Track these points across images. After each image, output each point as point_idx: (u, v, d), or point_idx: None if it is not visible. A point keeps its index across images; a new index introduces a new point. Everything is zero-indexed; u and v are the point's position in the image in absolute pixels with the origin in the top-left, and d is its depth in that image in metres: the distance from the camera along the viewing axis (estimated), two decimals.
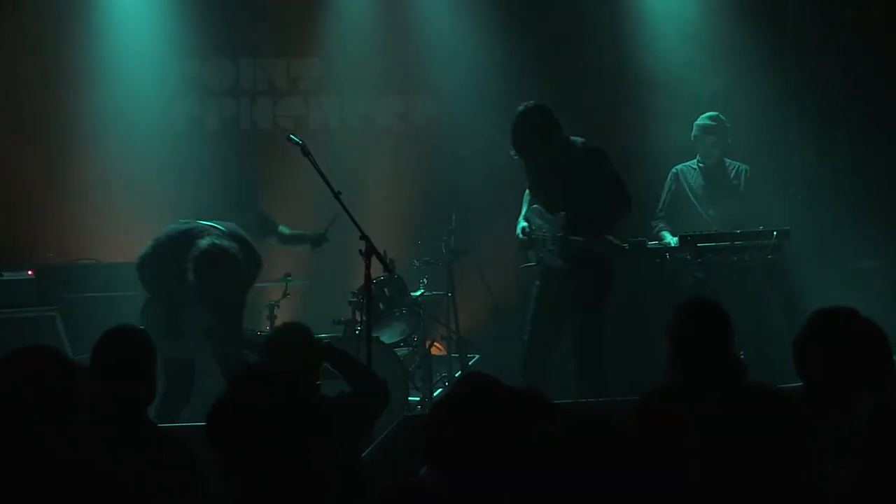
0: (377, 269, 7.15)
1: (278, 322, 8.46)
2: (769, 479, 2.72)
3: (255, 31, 9.94)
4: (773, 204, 8.45)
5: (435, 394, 8.38)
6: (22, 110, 9.46)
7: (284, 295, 8.65)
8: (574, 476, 2.81)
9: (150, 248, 7.11)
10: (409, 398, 8.08)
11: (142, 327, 6.75)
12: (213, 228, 7.01)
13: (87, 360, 4.35)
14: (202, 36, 9.64)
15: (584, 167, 7.22)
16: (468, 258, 9.10)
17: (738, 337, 4.74)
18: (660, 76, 9.46)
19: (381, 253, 7.01)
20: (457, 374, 8.46)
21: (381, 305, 8.19)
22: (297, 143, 6.93)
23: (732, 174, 8.39)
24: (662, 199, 8.40)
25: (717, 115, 8.37)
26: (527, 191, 7.66)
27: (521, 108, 7.23)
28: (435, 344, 8.93)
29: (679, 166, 8.48)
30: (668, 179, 8.47)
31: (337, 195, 6.79)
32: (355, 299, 8.30)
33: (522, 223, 7.51)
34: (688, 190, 8.40)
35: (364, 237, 6.76)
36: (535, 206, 7.54)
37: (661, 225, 8.24)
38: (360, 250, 6.82)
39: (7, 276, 8.39)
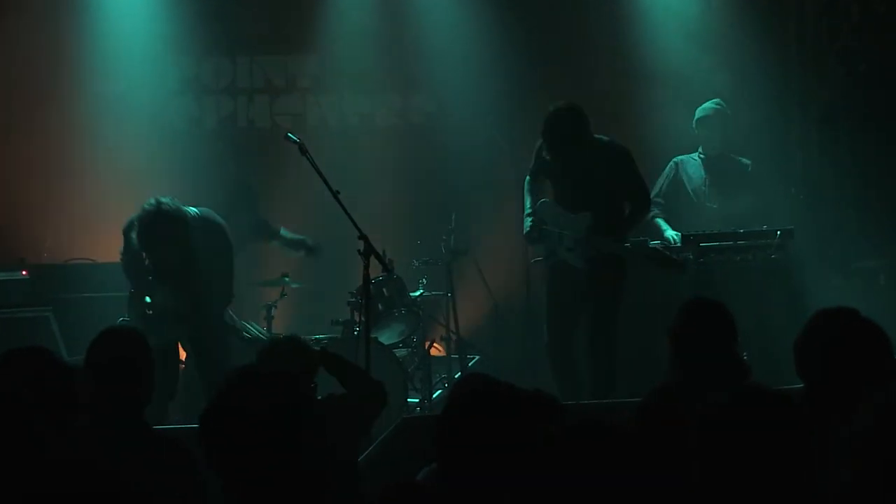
0: (376, 270, 7.14)
1: (276, 322, 8.49)
2: (769, 480, 2.72)
3: (252, 28, 9.92)
4: (775, 203, 8.46)
5: (434, 395, 8.37)
6: (16, 109, 9.44)
7: (282, 296, 8.63)
8: (573, 476, 2.80)
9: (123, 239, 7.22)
10: (409, 400, 8.07)
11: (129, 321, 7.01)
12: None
13: (81, 360, 4.33)
14: (198, 34, 9.61)
15: (610, 167, 7.28)
16: (468, 258, 9.10)
17: (740, 337, 4.70)
18: (660, 75, 9.45)
19: (380, 253, 6.99)
20: (456, 376, 8.43)
21: (379, 306, 8.17)
22: (294, 142, 6.91)
23: (735, 168, 8.38)
24: (659, 186, 8.36)
25: (719, 102, 8.40)
26: (528, 180, 7.64)
27: (554, 108, 7.21)
28: (434, 345, 8.90)
29: (680, 157, 8.48)
30: (668, 168, 8.46)
31: (335, 194, 6.77)
32: (354, 300, 8.27)
33: (530, 220, 7.50)
34: (686, 182, 8.39)
35: (362, 237, 6.74)
36: (545, 200, 7.53)
37: (656, 211, 8.20)
38: (359, 250, 6.79)
39: (1, 276, 8.37)
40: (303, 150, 6.83)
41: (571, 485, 2.80)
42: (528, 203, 7.59)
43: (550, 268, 7.51)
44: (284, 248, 8.37)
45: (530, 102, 9.53)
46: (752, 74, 9.32)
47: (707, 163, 8.39)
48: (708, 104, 8.43)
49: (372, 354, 6.65)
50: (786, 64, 9.52)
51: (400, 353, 8.33)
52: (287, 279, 8.62)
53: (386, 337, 8.27)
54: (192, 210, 7.12)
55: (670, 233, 8.00)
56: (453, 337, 8.88)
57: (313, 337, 8.08)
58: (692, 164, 8.43)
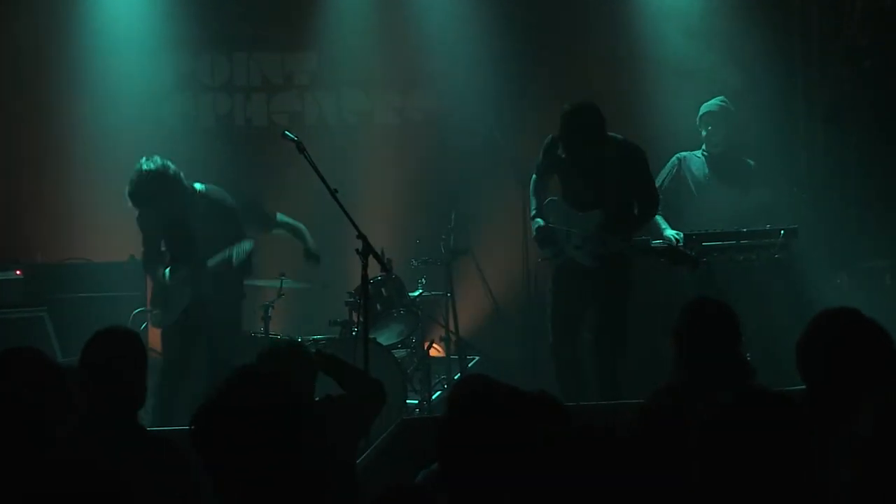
0: (374, 269, 7.10)
1: (273, 323, 8.42)
2: (769, 481, 2.72)
3: (249, 24, 9.87)
4: (779, 201, 8.46)
5: (434, 396, 8.34)
6: (10, 107, 9.39)
7: (279, 295, 8.56)
8: (574, 477, 2.80)
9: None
10: (408, 401, 8.06)
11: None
12: None
13: (76, 361, 4.32)
14: (194, 30, 9.57)
15: (624, 166, 7.29)
16: (468, 257, 9.08)
17: (744, 337, 4.68)
18: (662, 73, 9.43)
19: (379, 252, 6.95)
20: (456, 377, 8.42)
21: (378, 306, 8.14)
22: (292, 140, 6.87)
23: (739, 167, 8.37)
24: (661, 182, 8.31)
25: (723, 99, 8.39)
26: (534, 179, 7.63)
27: (571, 107, 7.21)
28: (434, 345, 8.85)
29: (683, 153, 8.46)
30: (670, 164, 8.43)
31: (333, 193, 6.74)
32: (352, 300, 8.25)
33: (539, 221, 7.50)
34: (690, 179, 8.37)
35: (361, 236, 6.69)
36: (552, 199, 7.53)
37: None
38: (357, 249, 6.74)
39: None
40: (301, 149, 6.80)
41: (572, 486, 2.80)
42: (534, 203, 7.60)
43: (556, 267, 7.50)
44: (288, 231, 8.29)
45: (531, 100, 9.59)
46: (757, 72, 9.31)
47: (710, 160, 8.38)
48: (712, 101, 8.42)
49: (370, 355, 6.63)
50: (790, 61, 9.51)
51: (399, 353, 8.31)
52: (284, 279, 8.55)
53: (385, 337, 8.24)
54: (198, 185, 7.36)
55: (670, 232, 7.99)
56: (453, 337, 8.85)
57: (311, 337, 8.08)
58: (695, 160, 8.41)
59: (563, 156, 7.31)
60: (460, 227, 8.90)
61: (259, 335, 8.09)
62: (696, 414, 2.86)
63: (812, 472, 2.77)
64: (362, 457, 5.82)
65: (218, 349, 7.37)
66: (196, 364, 7.44)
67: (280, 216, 8.16)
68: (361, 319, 7.11)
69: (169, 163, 7.31)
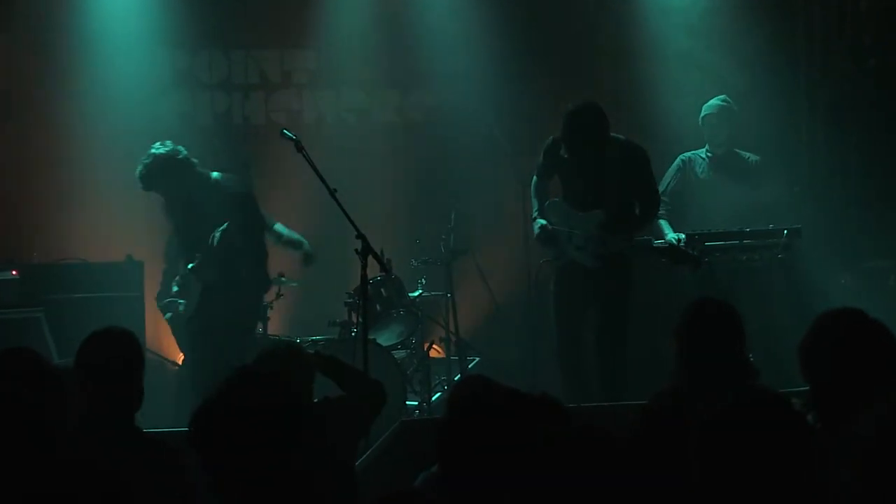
0: (374, 269, 7.09)
1: (272, 323, 8.44)
2: (769, 481, 2.72)
3: (247, 21, 9.86)
4: (782, 198, 8.47)
5: (434, 398, 8.33)
6: (6, 106, 9.35)
7: (278, 296, 8.56)
8: (575, 478, 2.80)
9: None
10: (407, 402, 8.05)
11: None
12: None
13: (72, 362, 4.32)
14: (192, 27, 9.54)
15: (626, 166, 7.31)
16: (468, 257, 9.05)
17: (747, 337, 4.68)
18: (663, 71, 9.43)
19: (378, 252, 6.94)
20: (456, 378, 8.38)
21: (377, 306, 8.14)
22: (290, 139, 6.86)
23: (743, 165, 8.36)
24: (666, 184, 8.32)
25: (725, 98, 8.39)
26: (534, 181, 7.66)
27: (575, 107, 7.22)
28: (434, 346, 8.84)
29: (687, 154, 8.47)
30: (675, 167, 8.44)
31: (332, 192, 6.73)
32: (351, 300, 8.23)
33: (541, 221, 7.52)
34: (694, 180, 8.37)
35: (360, 236, 6.68)
36: (553, 200, 7.55)
37: (662, 212, 8.16)
38: (356, 249, 6.73)
39: None
40: (299, 148, 6.78)
41: (572, 486, 2.79)
42: (535, 205, 7.63)
43: (558, 269, 7.53)
44: (283, 245, 8.28)
45: (531, 99, 9.57)
46: (759, 71, 9.31)
47: (714, 160, 8.37)
48: (714, 100, 8.42)
49: (370, 356, 6.62)
50: (793, 60, 9.51)
51: (398, 354, 8.30)
52: (283, 279, 8.54)
53: (384, 338, 8.24)
54: (214, 174, 7.52)
55: (672, 235, 7.96)
56: (453, 338, 8.84)
57: (310, 338, 8.05)
58: (699, 161, 8.42)
59: (566, 156, 7.31)
60: (460, 226, 8.89)
61: (258, 335, 8.07)
62: (696, 414, 2.85)
63: (812, 472, 2.76)
64: (362, 458, 5.82)
65: (223, 348, 7.28)
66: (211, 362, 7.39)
67: (278, 226, 8.15)
68: (361, 320, 7.10)
69: (180, 148, 7.53)
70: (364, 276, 6.80)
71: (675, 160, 8.45)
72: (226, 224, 7.38)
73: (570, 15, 9.80)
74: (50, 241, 9.06)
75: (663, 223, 8.09)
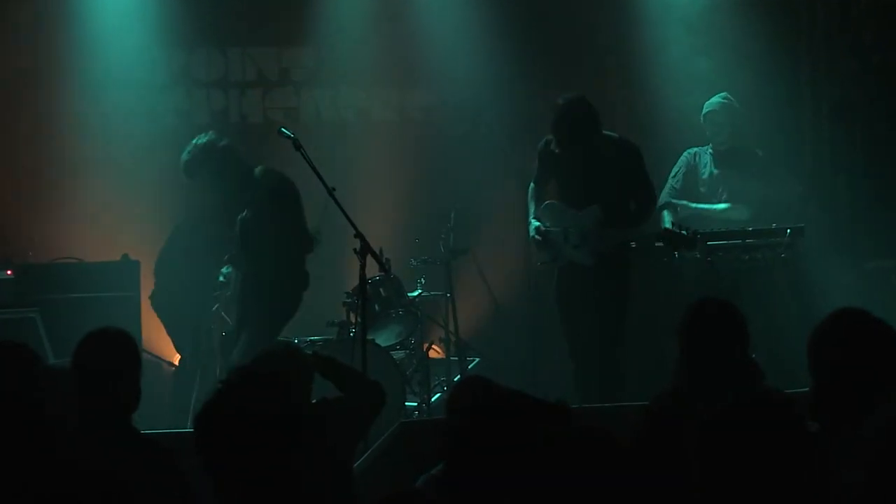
0: (372, 269, 7.10)
1: None
2: (769, 482, 2.74)
3: (244, 19, 9.82)
4: (783, 194, 8.45)
5: (433, 399, 8.33)
6: (2, 104, 9.32)
7: None
8: (576, 478, 2.82)
9: None
10: (406, 403, 8.04)
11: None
12: None
13: (68, 363, 4.33)
14: (189, 25, 9.52)
15: (620, 163, 7.33)
16: (467, 257, 9.06)
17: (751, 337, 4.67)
18: (664, 71, 9.43)
19: (377, 252, 6.93)
20: (456, 378, 8.37)
21: (376, 307, 8.11)
22: (288, 137, 6.85)
23: (746, 162, 8.35)
24: (676, 177, 8.33)
25: (726, 96, 8.39)
26: (531, 187, 7.67)
27: (564, 100, 7.24)
28: (433, 346, 8.84)
29: (695, 149, 8.47)
30: (684, 160, 8.43)
31: (331, 191, 6.72)
32: (350, 300, 8.19)
33: (535, 223, 7.54)
34: (700, 174, 8.36)
35: (359, 235, 6.67)
36: (548, 202, 7.56)
37: (667, 202, 8.23)
38: (355, 249, 6.72)
39: None
40: (297, 146, 6.77)
41: (573, 487, 2.81)
42: (531, 209, 7.64)
43: (557, 271, 7.55)
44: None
45: (531, 98, 9.57)
46: (762, 69, 9.29)
47: (717, 159, 8.36)
48: (715, 98, 8.42)
49: (368, 357, 6.62)
50: (796, 57, 9.52)
51: (397, 355, 8.29)
52: None
53: (383, 338, 8.22)
54: (257, 169, 7.47)
55: (668, 221, 7.98)
56: (452, 338, 8.83)
57: (308, 339, 8.01)
58: (705, 157, 8.42)
59: (557, 151, 7.31)
60: (460, 226, 8.89)
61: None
62: (697, 415, 2.91)
63: (814, 473, 2.78)
64: (361, 459, 5.81)
65: (254, 340, 7.17)
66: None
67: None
68: (359, 320, 7.08)
69: (223, 139, 7.49)
70: (363, 276, 6.79)
71: (679, 156, 8.44)
72: (245, 212, 7.33)
73: (570, 15, 9.79)
74: (45, 240, 9.04)
75: (665, 214, 8.13)
